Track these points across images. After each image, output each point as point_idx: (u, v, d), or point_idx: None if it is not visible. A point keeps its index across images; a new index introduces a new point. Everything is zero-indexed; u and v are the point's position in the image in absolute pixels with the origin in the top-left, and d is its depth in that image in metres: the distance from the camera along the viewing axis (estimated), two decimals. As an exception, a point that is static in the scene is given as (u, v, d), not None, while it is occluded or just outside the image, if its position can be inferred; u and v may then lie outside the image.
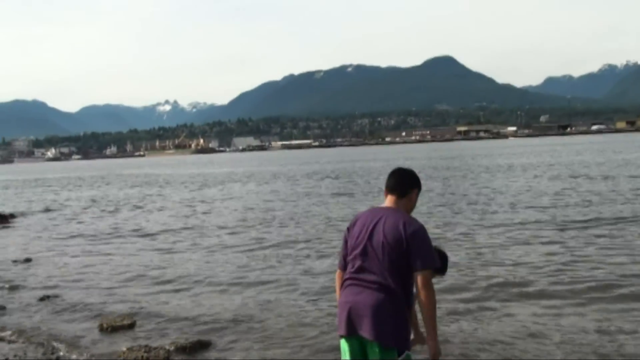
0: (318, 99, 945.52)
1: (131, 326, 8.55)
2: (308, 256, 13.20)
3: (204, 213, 23.40)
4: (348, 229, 4.37)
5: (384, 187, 4.47)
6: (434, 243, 4.30)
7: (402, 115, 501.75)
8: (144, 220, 22.02)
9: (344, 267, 4.35)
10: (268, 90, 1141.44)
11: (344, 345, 4.22)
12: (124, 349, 7.32)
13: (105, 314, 9.25)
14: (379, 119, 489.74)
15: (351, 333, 4.10)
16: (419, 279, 4.00)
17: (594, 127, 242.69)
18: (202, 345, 7.52)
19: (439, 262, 4.19)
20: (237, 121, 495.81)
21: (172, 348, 7.35)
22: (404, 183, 4.37)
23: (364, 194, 27.83)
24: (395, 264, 4.06)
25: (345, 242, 4.36)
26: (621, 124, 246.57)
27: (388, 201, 4.36)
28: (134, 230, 19.37)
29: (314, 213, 21.21)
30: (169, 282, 11.45)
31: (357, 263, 4.18)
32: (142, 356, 7.05)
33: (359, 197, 26.81)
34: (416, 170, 4.65)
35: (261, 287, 10.57)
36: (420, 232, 4.10)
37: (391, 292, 4.05)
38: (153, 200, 31.67)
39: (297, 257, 13.20)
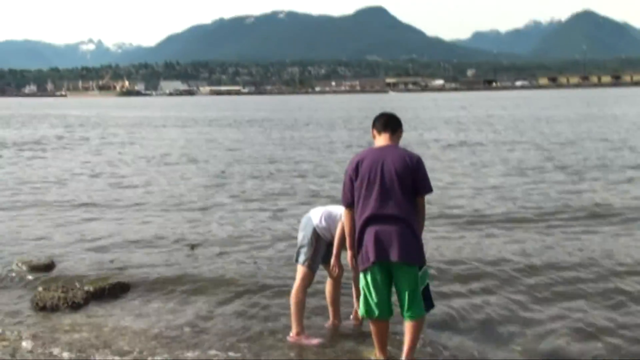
0: (248, 45, 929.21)
1: (49, 267, 8.18)
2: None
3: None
4: (354, 169, 4.80)
5: (372, 130, 5.01)
6: None
7: (332, 65, 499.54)
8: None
9: (351, 204, 4.84)
10: (197, 34, 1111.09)
11: (368, 275, 4.78)
12: (40, 289, 7.01)
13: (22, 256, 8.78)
14: (309, 67, 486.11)
15: (380, 258, 4.67)
16: (420, 201, 4.76)
17: (518, 83, 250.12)
18: (122, 288, 7.26)
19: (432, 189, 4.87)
20: (165, 64, 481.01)
21: (90, 289, 7.07)
22: (394, 121, 4.99)
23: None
24: (407, 193, 4.67)
25: (351, 181, 4.82)
26: (543, 80, 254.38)
27: (383, 139, 4.91)
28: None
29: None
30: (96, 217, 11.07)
31: (375, 199, 4.68)
32: (59, 296, 6.76)
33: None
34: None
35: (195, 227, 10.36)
36: (421, 161, 4.78)
37: (409, 219, 4.68)
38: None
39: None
